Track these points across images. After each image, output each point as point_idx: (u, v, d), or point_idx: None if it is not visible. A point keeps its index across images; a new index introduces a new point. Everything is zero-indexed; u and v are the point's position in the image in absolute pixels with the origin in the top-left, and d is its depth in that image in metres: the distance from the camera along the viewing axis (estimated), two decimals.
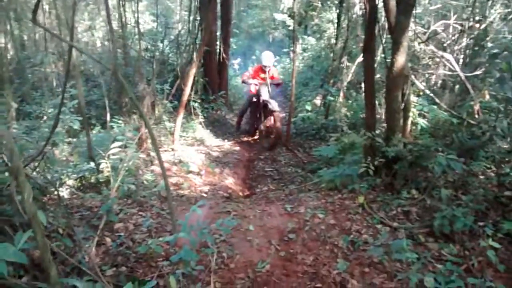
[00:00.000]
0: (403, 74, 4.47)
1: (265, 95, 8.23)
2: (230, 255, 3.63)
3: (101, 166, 4.31)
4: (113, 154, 4.45)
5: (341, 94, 8.58)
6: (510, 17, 7.71)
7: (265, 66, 8.53)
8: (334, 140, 5.88)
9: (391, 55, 4.51)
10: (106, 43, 13.62)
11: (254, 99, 8.55)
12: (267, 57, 8.58)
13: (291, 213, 4.31)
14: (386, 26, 5.03)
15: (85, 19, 13.20)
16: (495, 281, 3.16)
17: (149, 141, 6.89)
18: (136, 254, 3.51)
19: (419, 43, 5.39)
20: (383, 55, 5.59)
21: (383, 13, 5.42)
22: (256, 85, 8.49)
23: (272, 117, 8.05)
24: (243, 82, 8.72)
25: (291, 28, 14.57)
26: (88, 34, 13.34)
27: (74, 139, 5.94)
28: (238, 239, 3.84)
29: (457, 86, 7.16)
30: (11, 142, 1.56)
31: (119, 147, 4.08)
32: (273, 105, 7.92)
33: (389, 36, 5.20)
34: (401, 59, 4.37)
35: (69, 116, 4.66)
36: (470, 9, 7.50)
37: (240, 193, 6.26)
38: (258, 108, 8.56)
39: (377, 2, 4.66)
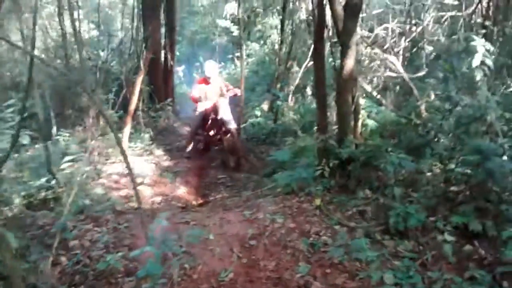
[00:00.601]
0: (352, 77, 4.61)
1: (223, 112, 7.48)
2: (192, 266, 3.58)
3: (52, 182, 4.14)
4: (62, 169, 4.28)
5: (290, 98, 8.70)
6: (443, 20, 8.15)
7: (208, 78, 8.01)
8: (288, 144, 5.96)
9: (340, 59, 4.64)
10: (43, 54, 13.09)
11: (212, 116, 7.75)
12: (210, 68, 8.04)
13: (251, 219, 4.31)
14: (334, 31, 5.16)
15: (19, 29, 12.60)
16: (448, 273, 3.32)
17: (95, 153, 6.71)
18: (94, 271, 3.39)
19: (365, 47, 5.58)
20: (331, 59, 5.74)
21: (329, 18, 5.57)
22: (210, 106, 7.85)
23: (231, 136, 7.49)
24: (195, 101, 8.07)
25: (234, 34, 14.64)
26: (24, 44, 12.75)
27: (16, 155, 5.65)
28: (199, 249, 3.79)
29: (397, 87, 7.47)
30: None
31: (71, 161, 3.93)
32: (232, 122, 7.38)
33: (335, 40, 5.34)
34: (350, 63, 4.50)
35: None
36: (407, 12, 7.86)
37: (194, 202, 6.19)
38: (214, 125, 7.90)
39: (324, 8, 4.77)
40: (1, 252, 1.66)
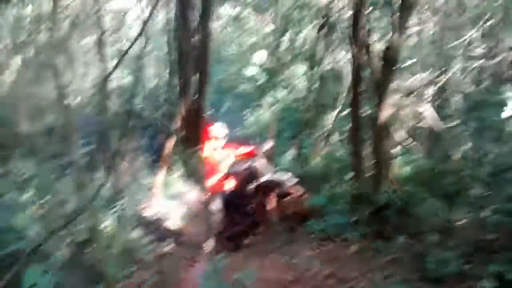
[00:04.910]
0: (388, 125, 4.79)
1: (265, 170, 5.99)
2: None
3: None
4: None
5: (318, 145, 8.87)
6: (471, 69, 8.33)
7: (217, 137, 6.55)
8: (326, 190, 6.09)
9: (376, 108, 4.84)
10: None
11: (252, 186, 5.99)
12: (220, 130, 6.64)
13: (288, 264, 4.40)
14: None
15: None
16: None
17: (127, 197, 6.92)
18: None
19: (400, 97, 5.78)
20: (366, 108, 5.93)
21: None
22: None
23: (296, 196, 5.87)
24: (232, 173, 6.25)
25: (260, 82, 15.02)
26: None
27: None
28: None
29: (427, 135, 7.59)
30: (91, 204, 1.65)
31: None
32: (290, 177, 5.95)
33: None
34: (386, 112, 4.70)
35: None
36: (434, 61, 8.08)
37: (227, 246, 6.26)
38: (259, 196, 6.02)
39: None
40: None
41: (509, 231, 4.14)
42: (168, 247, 5.63)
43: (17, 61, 9.52)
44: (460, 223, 4.64)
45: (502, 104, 4.51)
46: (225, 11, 15.32)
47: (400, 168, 5.52)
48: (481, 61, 7.80)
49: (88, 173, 6.13)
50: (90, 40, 12.07)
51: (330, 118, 9.09)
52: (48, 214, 4.26)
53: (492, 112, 4.60)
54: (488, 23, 7.58)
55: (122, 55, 3.39)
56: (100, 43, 9.78)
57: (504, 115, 4.41)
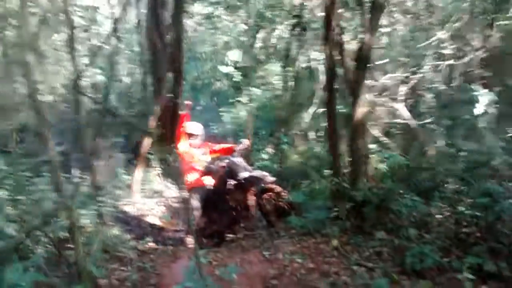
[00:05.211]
0: (363, 123, 4.90)
1: (244, 168, 5.93)
2: None
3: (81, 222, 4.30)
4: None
5: (296, 142, 8.97)
6: (439, 68, 8.56)
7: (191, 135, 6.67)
8: (305, 187, 6.18)
9: (351, 106, 4.94)
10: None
11: (230, 183, 5.95)
12: (196, 127, 6.81)
13: (270, 260, 4.46)
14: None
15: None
16: None
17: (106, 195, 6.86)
18: None
19: (373, 95, 5.91)
20: (340, 107, 6.04)
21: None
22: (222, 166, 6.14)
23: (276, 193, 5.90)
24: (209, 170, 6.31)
25: (236, 80, 15.04)
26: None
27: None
28: None
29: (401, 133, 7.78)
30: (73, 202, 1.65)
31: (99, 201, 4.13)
32: (267, 175, 5.88)
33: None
34: (360, 110, 4.81)
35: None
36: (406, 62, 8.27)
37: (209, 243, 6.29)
38: (238, 193, 6.00)
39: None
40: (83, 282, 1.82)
41: (484, 225, 4.28)
42: (149, 244, 5.63)
43: None
44: (437, 217, 4.78)
45: (473, 102, 4.65)
46: (197, 10, 15.22)
47: (376, 164, 5.65)
48: (451, 61, 8.04)
49: (65, 171, 6.07)
50: (60, 37, 11.87)
51: (306, 115, 9.19)
52: (26, 213, 4.19)
53: (464, 110, 4.74)
54: (456, 25, 7.81)
55: (95, 52, 3.36)
56: (71, 40, 9.61)
57: (476, 111, 4.56)
